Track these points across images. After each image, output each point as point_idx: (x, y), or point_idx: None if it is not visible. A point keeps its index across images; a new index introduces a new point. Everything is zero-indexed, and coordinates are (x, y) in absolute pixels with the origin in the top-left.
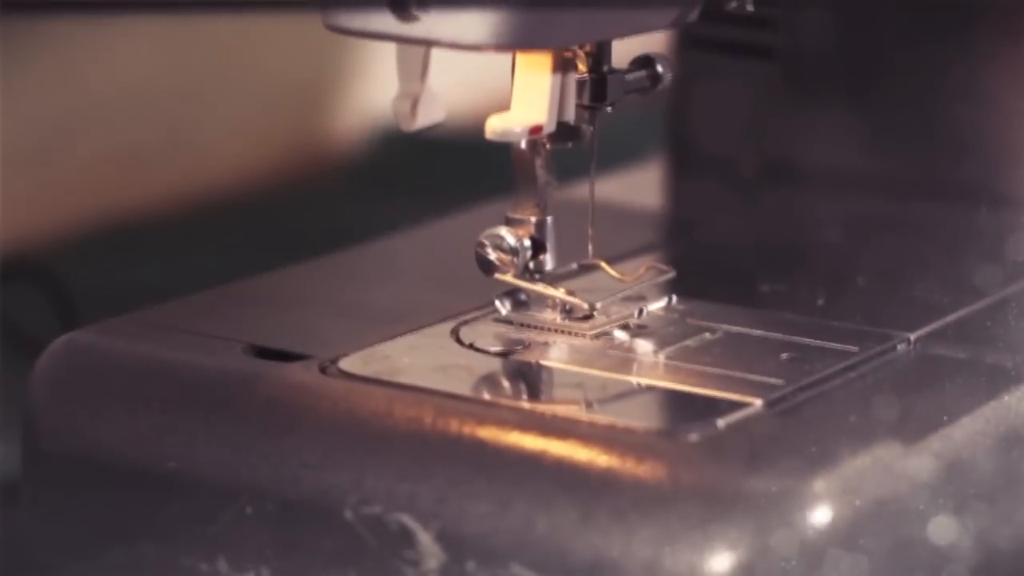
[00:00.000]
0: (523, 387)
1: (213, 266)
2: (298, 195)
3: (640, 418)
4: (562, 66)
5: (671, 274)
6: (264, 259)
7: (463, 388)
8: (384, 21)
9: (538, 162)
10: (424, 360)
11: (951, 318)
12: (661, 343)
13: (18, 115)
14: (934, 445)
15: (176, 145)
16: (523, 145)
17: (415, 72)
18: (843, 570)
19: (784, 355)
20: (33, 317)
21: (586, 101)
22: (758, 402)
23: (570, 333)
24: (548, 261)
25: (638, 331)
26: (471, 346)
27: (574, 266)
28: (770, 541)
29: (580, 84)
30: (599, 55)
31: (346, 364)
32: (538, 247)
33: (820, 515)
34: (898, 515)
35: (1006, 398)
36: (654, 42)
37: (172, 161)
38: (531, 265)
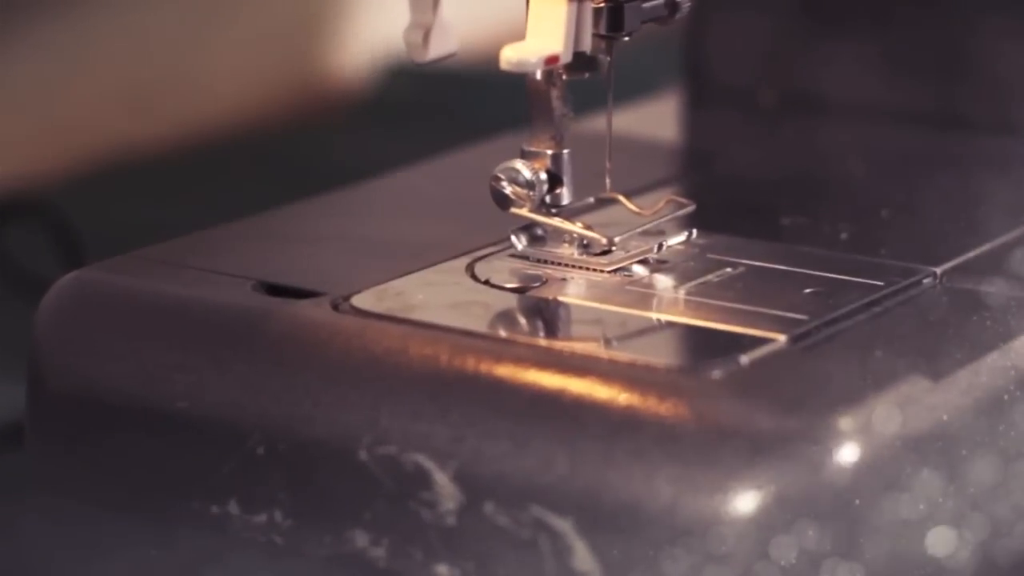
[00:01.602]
0: (540, 324)
1: (218, 205)
2: (304, 132)
3: (661, 355)
4: None
5: (690, 208)
6: (270, 197)
7: (479, 325)
8: None
9: (554, 93)
10: (439, 297)
11: (977, 252)
12: (681, 278)
13: (21, 52)
14: (961, 380)
15: (181, 82)
16: (538, 76)
17: (427, 2)
18: (869, 508)
19: (808, 290)
20: (36, 256)
21: (602, 31)
22: (782, 338)
23: (588, 268)
24: (565, 195)
25: (657, 266)
26: (487, 282)
27: (591, 200)
28: (794, 479)
29: (596, 13)
30: None
31: (359, 301)
32: (554, 180)
33: (845, 453)
34: (925, 451)
35: None
36: None
37: (176, 98)
38: (547, 199)
